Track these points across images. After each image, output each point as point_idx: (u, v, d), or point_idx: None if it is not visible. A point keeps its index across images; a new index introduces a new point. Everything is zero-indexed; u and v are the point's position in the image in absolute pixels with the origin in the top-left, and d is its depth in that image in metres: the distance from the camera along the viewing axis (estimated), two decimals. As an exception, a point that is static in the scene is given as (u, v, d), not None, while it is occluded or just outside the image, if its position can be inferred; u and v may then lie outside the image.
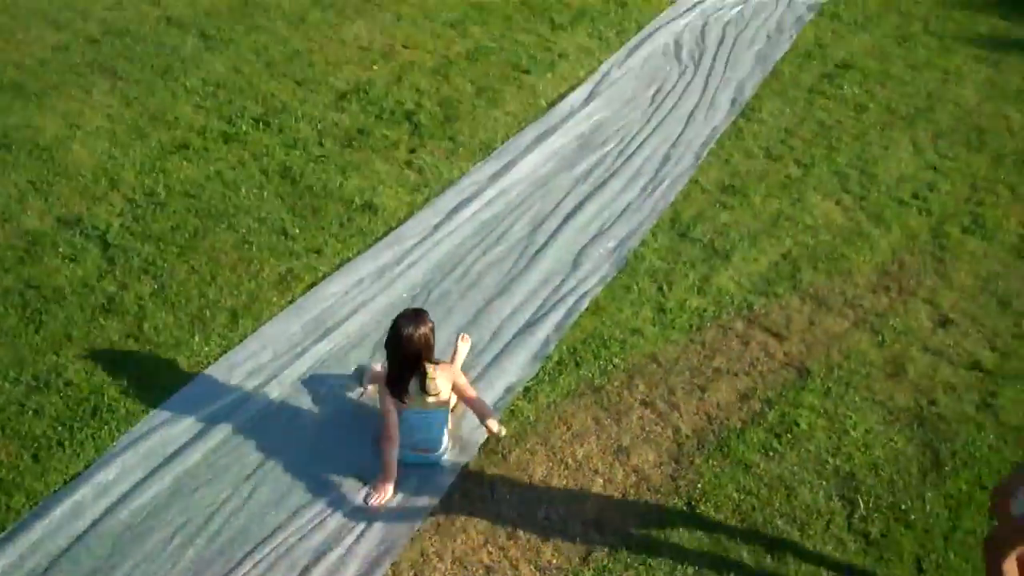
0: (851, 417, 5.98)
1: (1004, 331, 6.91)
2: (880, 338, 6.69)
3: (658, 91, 9.66)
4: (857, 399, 6.14)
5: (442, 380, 5.24)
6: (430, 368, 5.18)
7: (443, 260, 7.03)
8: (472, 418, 5.58)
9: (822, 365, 6.39)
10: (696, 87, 9.79)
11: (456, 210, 7.54)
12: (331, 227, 7.22)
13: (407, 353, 5.11)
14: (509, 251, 7.22)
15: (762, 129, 9.14)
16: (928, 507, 5.42)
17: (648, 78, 9.83)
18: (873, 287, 7.21)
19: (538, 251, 7.22)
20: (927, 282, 7.32)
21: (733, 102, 9.59)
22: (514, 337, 6.39)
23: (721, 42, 10.84)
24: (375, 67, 9.32)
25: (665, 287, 6.98)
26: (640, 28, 10.84)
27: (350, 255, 6.98)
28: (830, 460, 5.66)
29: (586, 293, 6.84)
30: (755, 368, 6.33)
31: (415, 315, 5.18)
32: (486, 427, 5.53)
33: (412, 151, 8.18)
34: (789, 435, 5.80)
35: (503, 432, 5.58)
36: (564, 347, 6.34)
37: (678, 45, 10.65)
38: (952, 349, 6.67)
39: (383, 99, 8.81)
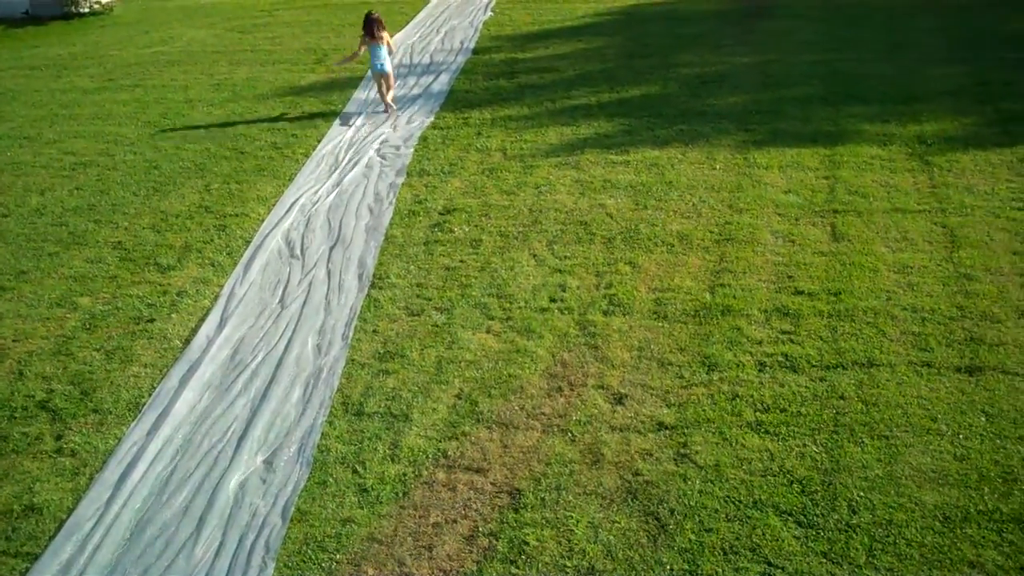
0: (571, 516, 6.12)
1: (672, 386, 7.36)
2: (570, 435, 6.93)
3: (285, 292, 9.69)
4: (571, 498, 6.30)
5: (386, 35, 14.48)
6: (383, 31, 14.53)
7: (125, 531, 6.62)
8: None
9: (529, 480, 6.52)
10: (320, 276, 9.92)
11: (124, 476, 7.14)
12: (-4, 545, 6.64)
13: (371, 22, 14.24)
14: (193, 493, 6.91)
15: (395, 292, 9.37)
16: (668, 568, 5.60)
17: (272, 285, 9.87)
18: (547, 393, 7.49)
19: (219, 480, 6.98)
20: (592, 370, 7.70)
21: (360, 277, 9.78)
22: (228, 573, 6.12)
23: (329, 227, 11.09)
24: (-10, 371, 8.78)
25: (359, 468, 6.91)
26: (248, 243, 10.89)
27: (29, 564, 6.42)
28: (568, 563, 5.74)
29: (287, 503, 6.65)
30: (470, 508, 6.35)
31: (373, 12, 14.52)
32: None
33: (58, 437, 7.70)
34: (523, 556, 5.84)
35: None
36: (281, 564, 6.10)
37: (290, 245, 10.77)
38: (635, 419, 7.02)
39: (9, 399, 8.27)
